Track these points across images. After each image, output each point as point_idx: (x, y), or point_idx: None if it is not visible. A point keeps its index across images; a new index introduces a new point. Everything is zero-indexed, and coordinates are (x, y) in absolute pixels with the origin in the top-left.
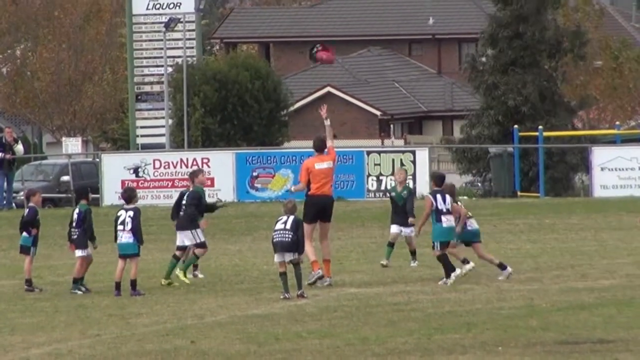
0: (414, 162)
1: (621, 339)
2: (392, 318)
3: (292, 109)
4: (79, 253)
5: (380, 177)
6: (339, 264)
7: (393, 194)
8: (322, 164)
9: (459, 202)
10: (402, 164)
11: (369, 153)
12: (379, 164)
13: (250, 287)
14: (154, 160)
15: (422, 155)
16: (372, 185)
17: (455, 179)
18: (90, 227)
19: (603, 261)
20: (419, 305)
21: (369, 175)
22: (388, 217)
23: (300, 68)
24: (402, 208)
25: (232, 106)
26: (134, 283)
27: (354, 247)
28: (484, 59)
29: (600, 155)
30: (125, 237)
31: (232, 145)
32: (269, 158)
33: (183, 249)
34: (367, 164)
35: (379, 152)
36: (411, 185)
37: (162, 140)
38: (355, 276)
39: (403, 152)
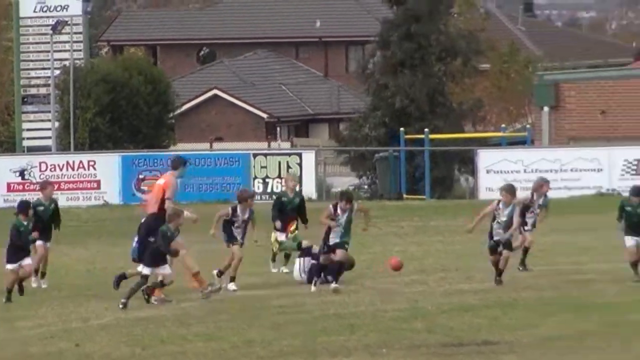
0: (300, 164)
1: (505, 341)
2: (277, 321)
3: (178, 111)
4: None
5: (267, 180)
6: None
7: (284, 199)
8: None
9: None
10: (288, 167)
11: (255, 155)
12: (266, 167)
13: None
14: (40, 163)
15: (309, 157)
16: (258, 187)
17: (342, 182)
18: None
19: (488, 263)
20: (304, 308)
21: (255, 177)
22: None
23: (187, 71)
24: (291, 213)
25: (122, 108)
26: None
27: None
28: (374, 59)
29: (485, 157)
30: None
31: (120, 147)
32: (155, 160)
33: None
34: (254, 166)
35: (266, 155)
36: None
37: (49, 142)
38: (239, 279)
39: (290, 154)
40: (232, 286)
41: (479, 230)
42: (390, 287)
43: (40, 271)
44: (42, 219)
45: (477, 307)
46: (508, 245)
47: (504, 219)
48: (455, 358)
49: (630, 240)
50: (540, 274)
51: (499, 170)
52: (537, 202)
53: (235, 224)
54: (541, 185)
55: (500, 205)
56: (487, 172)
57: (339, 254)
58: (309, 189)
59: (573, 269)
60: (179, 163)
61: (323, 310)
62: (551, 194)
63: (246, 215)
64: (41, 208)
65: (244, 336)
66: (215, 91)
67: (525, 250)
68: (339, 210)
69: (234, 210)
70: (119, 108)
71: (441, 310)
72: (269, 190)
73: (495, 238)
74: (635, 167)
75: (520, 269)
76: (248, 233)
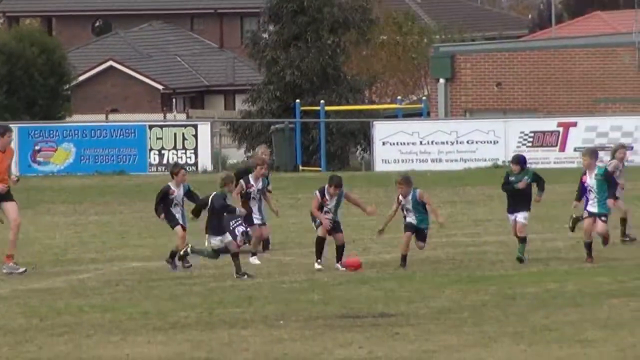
0: (195, 136)
1: (402, 313)
2: (174, 292)
3: (74, 83)
4: None
5: (162, 151)
6: (120, 238)
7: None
8: None
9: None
10: (184, 138)
11: (151, 127)
12: (161, 138)
13: (32, 261)
14: None
15: (204, 129)
16: (154, 159)
17: (237, 154)
18: None
19: (384, 235)
20: (201, 279)
21: (151, 149)
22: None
23: (83, 42)
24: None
25: (18, 79)
26: None
27: (136, 222)
28: (266, 35)
29: (381, 129)
30: None
31: (17, 119)
32: (51, 132)
33: None
34: (150, 138)
35: (161, 127)
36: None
37: None
38: (137, 250)
39: (185, 126)
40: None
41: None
42: (287, 259)
43: None
44: None
45: (374, 280)
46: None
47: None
48: (351, 330)
49: (511, 216)
50: (435, 245)
51: (395, 142)
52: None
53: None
54: (624, 153)
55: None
56: (383, 144)
57: (339, 238)
58: (204, 161)
59: (468, 241)
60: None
61: (220, 282)
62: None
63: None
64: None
65: (141, 307)
66: (110, 63)
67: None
68: (326, 196)
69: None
70: (16, 79)
71: (338, 282)
72: (164, 162)
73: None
74: (531, 139)
75: (627, 239)
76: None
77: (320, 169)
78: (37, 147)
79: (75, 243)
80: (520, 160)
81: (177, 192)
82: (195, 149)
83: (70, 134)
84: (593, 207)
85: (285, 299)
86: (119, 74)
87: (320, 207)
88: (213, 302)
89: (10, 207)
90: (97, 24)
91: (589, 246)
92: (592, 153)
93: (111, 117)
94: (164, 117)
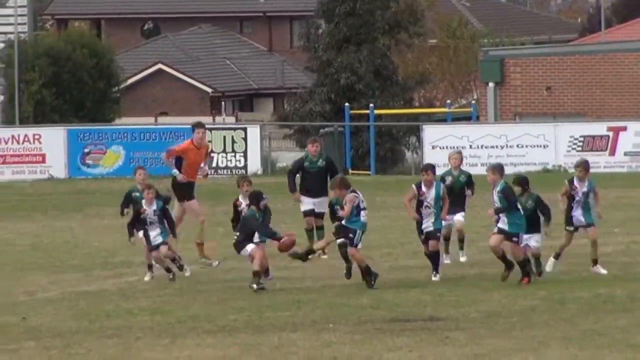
0: (245, 139)
1: (451, 317)
2: (222, 296)
3: (123, 85)
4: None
5: (211, 154)
6: None
7: (307, 164)
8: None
9: None
10: (233, 141)
11: None
12: (211, 141)
13: (82, 263)
14: None
15: (254, 132)
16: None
17: (287, 157)
18: None
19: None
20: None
21: None
22: (218, 195)
23: (132, 45)
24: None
25: (66, 82)
26: None
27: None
28: (320, 30)
29: (431, 133)
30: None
31: (65, 121)
32: (100, 134)
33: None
34: None
35: (211, 129)
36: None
37: None
38: (186, 254)
39: (234, 129)
40: None
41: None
42: (337, 262)
43: None
44: None
45: (423, 284)
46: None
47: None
48: (401, 334)
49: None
50: (482, 250)
51: (444, 145)
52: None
53: None
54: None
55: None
56: (433, 147)
57: (432, 245)
58: (254, 165)
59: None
60: None
61: (269, 286)
62: None
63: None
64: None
65: (190, 311)
66: (159, 65)
67: None
68: (423, 188)
69: None
70: (63, 81)
71: (387, 286)
72: (213, 164)
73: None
74: (581, 144)
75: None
76: None
77: (369, 172)
78: (86, 150)
79: (124, 246)
80: (521, 181)
81: (244, 203)
82: (245, 152)
83: (119, 137)
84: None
85: (334, 303)
86: (168, 76)
87: (420, 203)
88: (262, 306)
89: (193, 205)
90: (146, 26)
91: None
92: (495, 169)
93: (160, 119)
94: (213, 120)
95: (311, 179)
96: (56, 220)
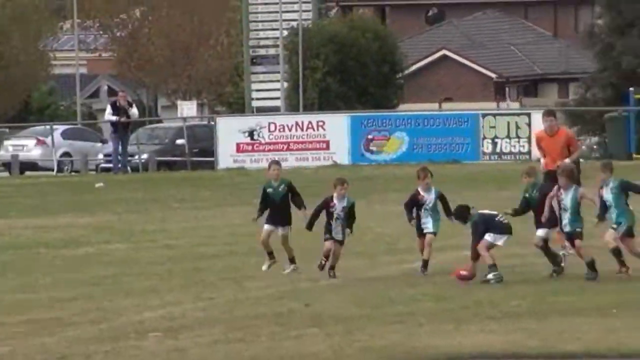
0: (529, 124)
1: None
2: (506, 280)
3: (407, 72)
4: None
5: (496, 140)
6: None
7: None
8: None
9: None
10: (517, 127)
11: (484, 116)
12: (494, 127)
13: (365, 250)
14: (269, 124)
15: (538, 117)
16: (487, 148)
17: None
18: None
19: None
20: (534, 268)
21: (484, 138)
22: (502, 180)
23: (416, 31)
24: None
25: (351, 68)
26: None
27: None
28: (600, 21)
29: None
30: None
31: (349, 108)
32: (383, 121)
33: None
34: (483, 126)
35: (495, 115)
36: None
37: (277, 103)
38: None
39: (519, 114)
40: None
41: None
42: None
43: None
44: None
45: None
46: None
47: None
48: None
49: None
50: None
51: None
52: None
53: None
54: None
55: None
56: None
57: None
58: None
59: None
60: None
61: (547, 272)
62: None
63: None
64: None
65: (473, 296)
66: (444, 51)
67: None
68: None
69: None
70: (348, 68)
71: None
72: (497, 150)
73: None
74: None
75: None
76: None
77: None
78: (369, 136)
79: (407, 232)
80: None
81: (338, 205)
82: (529, 138)
83: (403, 123)
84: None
85: (619, 288)
86: (452, 62)
87: None
88: (545, 291)
89: None
90: (431, 13)
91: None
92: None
93: (444, 105)
94: (497, 105)
95: None
96: None
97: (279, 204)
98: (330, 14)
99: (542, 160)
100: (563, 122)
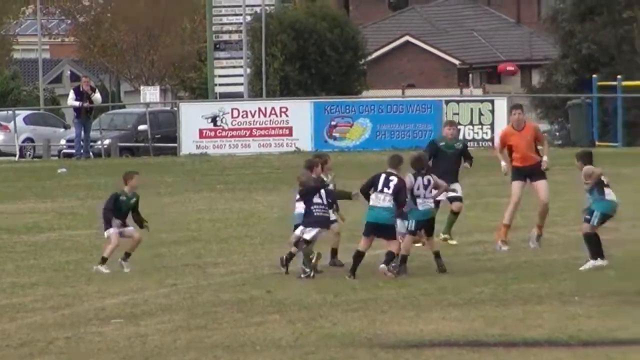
0: (492, 111)
1: None
2: (469, 268)
3: (370, 58)
4: None
5: (459, 127)
6: None
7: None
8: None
9: None
10: (480, 114)
11: (447, 102)
12: (458, 113)
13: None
14: (232, 109)
15: (501, 104)
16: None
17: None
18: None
19: None
20: (496, 255)
21: None
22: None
23: (379, 17)
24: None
25: (311, 55)
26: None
27: None
28: (562, 6)
29: None
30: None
31: (310, 94)
32: (347, 107)
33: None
34: (446, 113)
35: (458, 102)
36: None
37: (240, 89)
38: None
39: (482, 101)
40: None
41: None
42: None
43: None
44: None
45: None
46: None
47: None
48: None
49: None
50: None
51: None
52: None
53: None
54: None
55: None
56: None
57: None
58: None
59: None
60: None
61: (514, 258)
62: None
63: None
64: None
65: (436, 283)
66: (407, 37)
67: None
68: None
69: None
70: (308, 55)
71: (633, 257)
72: (460, 137)
73: None
74: None
75: None
76: None
77: (616, 144)
78: (333, 123)
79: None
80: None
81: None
82: (492, 125)
83: (366, 110)
84: None
85: (580, 275)
86: (415, 49)
87: None
88: (507, 278)
89: (542, 185)
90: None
91: None
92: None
93: (407, 92)
94: (460, 92)
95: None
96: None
97: (125, 212)
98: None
99: (502, 162)
100: (527, 108)
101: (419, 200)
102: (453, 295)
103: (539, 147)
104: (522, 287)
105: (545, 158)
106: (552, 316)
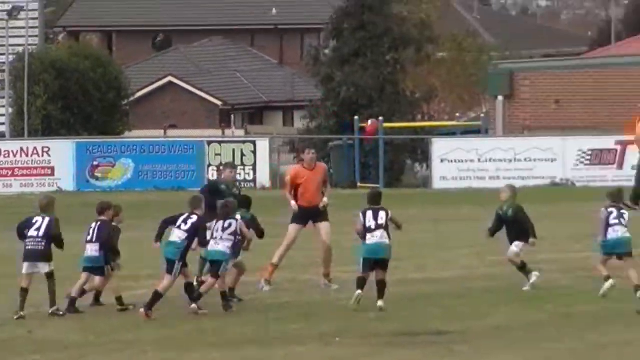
0: (254, 152)
1: (458, 331)
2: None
3: (133, 98)
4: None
5: (221, 167)
6: None
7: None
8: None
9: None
10: (243, 154)
11: (209, 143)
12: (220, 154)
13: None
14: None
15: (263, 145)
16: (212, 175)
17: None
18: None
19: (441, 253)
20: (257, 295)
21: (210, 165)
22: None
23: (143, 57)
24: None
25: (74, 94)
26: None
27: None
28: (327, 51)
29: (439, 146)
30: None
31: (73, 134)
32: (109, 147)
33: None
34: (208, 154)
35: (220, 142)
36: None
37: (2, 129)
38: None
39: (244, 142)
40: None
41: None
42: (344, 276)
43: None
44: None
45: (430, 297)
46: None
47: None
48: (407, 347)
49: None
50: (491, 264)
51: (453, 159)
52: None
53: None
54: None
55: None
56: (442, 161)
57: None
58: (263, 178)
59: (524, 259)
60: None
61: (276, 299)
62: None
63: None
64: None
65: (196, 324)
66: (170, 78)
67: None
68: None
69: None
70: (71, 95)
71: (394, 299)
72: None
73: None
74: (589, 157)
75: None
76: None
77: (378, 185)
78: (95, 163)
79: (133, 259)
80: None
81: None
82: (254, 165)
83: (128, 150)
84: None
85: (342, 316)
86: (178, 89)
87: None
88: (269, 319)
89: (324, 227)
90: (158, 39)
91: None
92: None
93: (169, 132)
94: (223, 133)
95: None
96: (65, 233)
97: None
98: (58, 39)
99: (291, 202)
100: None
101: (211, 242)
102: (214, 336)
103: (323, 189)
104: (284, 328)
105: (325, 199)
106: (313, 357)
